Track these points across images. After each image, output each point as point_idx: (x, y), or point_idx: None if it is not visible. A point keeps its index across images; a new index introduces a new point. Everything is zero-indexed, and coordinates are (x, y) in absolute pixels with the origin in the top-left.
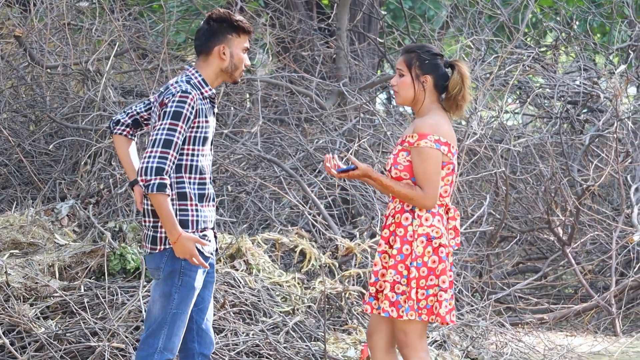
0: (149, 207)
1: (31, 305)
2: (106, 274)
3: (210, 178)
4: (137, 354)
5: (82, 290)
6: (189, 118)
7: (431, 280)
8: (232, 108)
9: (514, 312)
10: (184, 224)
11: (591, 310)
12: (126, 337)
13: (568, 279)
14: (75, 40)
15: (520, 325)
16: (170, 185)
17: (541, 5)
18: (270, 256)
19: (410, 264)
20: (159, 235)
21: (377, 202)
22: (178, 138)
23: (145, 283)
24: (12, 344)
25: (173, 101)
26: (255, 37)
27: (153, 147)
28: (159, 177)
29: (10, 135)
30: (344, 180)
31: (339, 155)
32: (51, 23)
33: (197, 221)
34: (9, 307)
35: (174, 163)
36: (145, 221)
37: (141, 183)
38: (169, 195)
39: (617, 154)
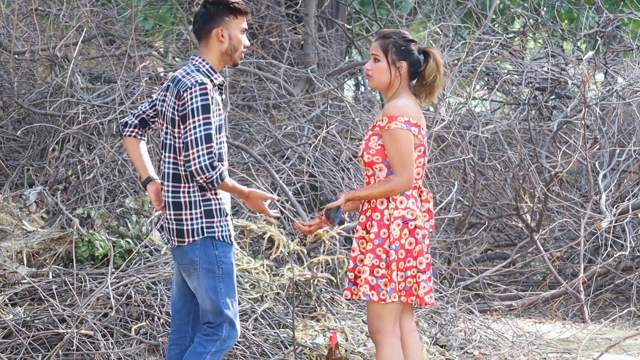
0: (170, 200)
1: None
2: (74, 261)
3: (226, 166)
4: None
5: (51, 277)
6: (212, 108)
7: (409, 262)
8: None
9: (483, 299)
10: (209, 214)
11: (560, 297)
12: (95, 323)
13: (536, 266)
14: (43, 26)
15: (488, 312)
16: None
17: None
18: (238, 243)
19: (389, 247)
20: (185, 227)
21: (346, 189)
22: (214, 130)
23: (113, 270)
24: None
25: (195, 96)
26: None
27: (197, 146)
28: (215, 170)
29: None
30: (312, 167)
31: (307, 141)
32: (18, 9)
33: (221, 209)
34: None
35: (217, 153)
36: (167, 214)
37: (201, 181)
38: (226, 176)
39: (585, 140)
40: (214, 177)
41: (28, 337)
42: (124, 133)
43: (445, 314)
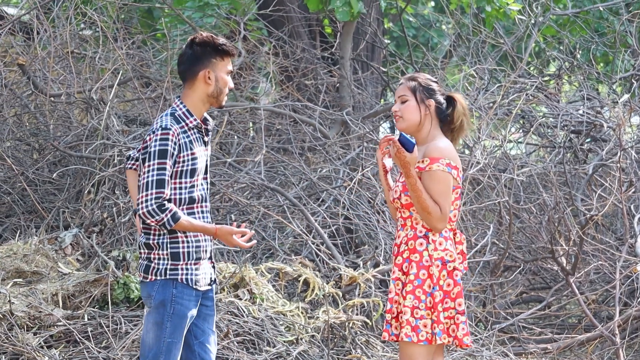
0: (142, 241)
1: (35, 334)
2: (110, 303)
3: (206, 207)
4: None
5: (86, 319)
6: (173, 154)
7: (446, 303)
8: (235, 137)
9: (518, 342)
10: (175, 257)
11: (595, 340)
12: None
13: (572, 309)
14: (79, 69)
15: (524, 355)
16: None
17: (544, 34)
18: (274, 285)
19: (433, 289)
20: (152, 265)
21: (381, 232)
22: (167, 175)
23: None
24: None
25: (155, 140)
26: (259, 65)
27: (147, 190)
28: (164, 213)
29: (13, 164)
30: (347, 209)
31: (342, 184)
32: (54, 51)
33: (189, 252)
34: (12, 336)
35: (168, 197)
36: (140, 252)
37: (153, 224)
38: (181, 217)
39: (621, 183)
40: (165, 219)
41: None
42: (127, 166)
43: (481, 357)
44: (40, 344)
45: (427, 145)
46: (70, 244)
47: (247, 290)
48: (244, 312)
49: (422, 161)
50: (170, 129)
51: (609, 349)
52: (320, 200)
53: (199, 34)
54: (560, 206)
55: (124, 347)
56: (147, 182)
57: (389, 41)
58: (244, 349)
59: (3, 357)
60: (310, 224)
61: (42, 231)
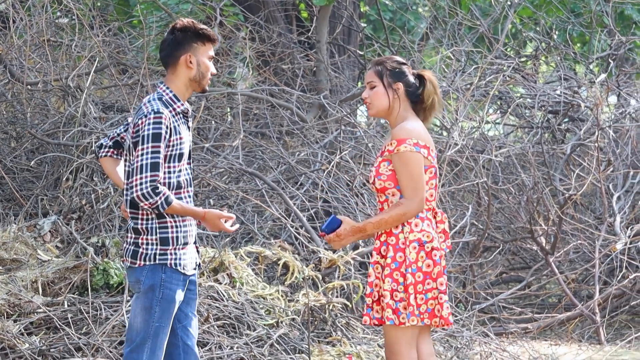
0: (131, 225)
1: (15, 321)
2: (89, 289)
3: (191, 191)
4: None
5: (66, 306)
6: (166, 137)
7: (428, 284)
8: (213, 122)
9: (498, 322)
10: (164, 242)
11: (575, 319)
12: (110, 352)
13: (552, 288)
14: (55, 57)
15: (504, 335)
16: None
17: (520, 15)
18: (253, 269)
19: (406, 270)
20: (140, 250)
21: (360, 215)
22: (161, 159)
23: (128, 298)
24: None
25: (148, 123)
26: (235, 50)
27: (141, 173)
28: (158, 196)
29: None
30: (326, 193)
31: (321, 167)
32: (31, 40)
33: (177, 237)
34: None
35: (162, 181)
36: (127, 237)
37: (146, 207)
38: (173, 201)
39: (599, 162)
40: (158, 202)
41: None
42: (100, 154)
43: (461, 337)
44: (20, 331)
45: (395, 128)
46: (49, 231)
47: (227, 274)
48: (224, 296)
49: (390, 144)
50: (162, 113)
51: (589, 328)
52: (299, 183)
53: (179, 20)
54: (538, 186)
55: (104, 332)
56: (141, 165)
57: (365, 24)
58: (225, 333)
59: None
60: (289, 207)
61: (21, 219)
